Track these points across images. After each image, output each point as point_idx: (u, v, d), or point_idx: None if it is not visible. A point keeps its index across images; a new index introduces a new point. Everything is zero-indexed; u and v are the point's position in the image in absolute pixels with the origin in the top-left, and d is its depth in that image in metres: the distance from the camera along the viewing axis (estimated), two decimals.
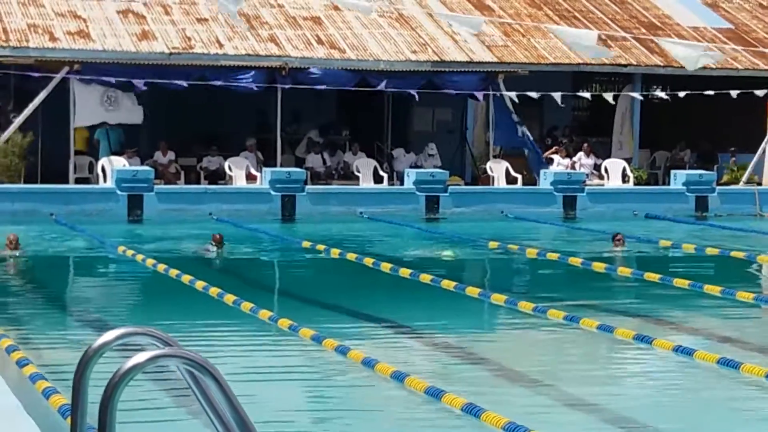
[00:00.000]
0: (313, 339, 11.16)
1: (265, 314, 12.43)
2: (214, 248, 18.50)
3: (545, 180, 26.82)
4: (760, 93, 27.93)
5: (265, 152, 27.43)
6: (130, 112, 25.72)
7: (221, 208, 24.15)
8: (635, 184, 28.63)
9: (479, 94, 27.81)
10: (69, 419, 4.35)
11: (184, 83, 25.44)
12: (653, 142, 31.56)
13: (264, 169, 25.90)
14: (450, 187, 26.05)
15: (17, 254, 17.20)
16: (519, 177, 27.68)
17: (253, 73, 26.31)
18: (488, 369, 11.03)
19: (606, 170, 28.99)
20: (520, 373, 10.70)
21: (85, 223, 21.90)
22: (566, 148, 29.52)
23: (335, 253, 18.30)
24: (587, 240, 21.86)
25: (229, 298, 13.29)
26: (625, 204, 26.59)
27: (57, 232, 21.23)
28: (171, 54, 26.72)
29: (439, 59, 28.48)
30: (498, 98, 27.90)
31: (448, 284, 14.82)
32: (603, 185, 28.33)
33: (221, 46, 27.43)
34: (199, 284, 14.30)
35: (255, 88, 26.05)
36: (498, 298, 14.08)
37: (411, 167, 27.45)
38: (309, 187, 25.43)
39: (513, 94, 27.36)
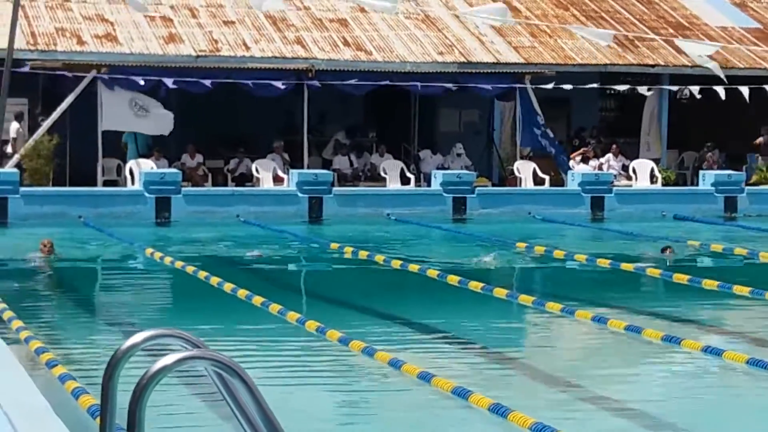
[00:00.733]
0: (341, 341, 11.17)
1: (293, 316, 12.45)
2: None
3: (573, 181, 26.75)
4: None
5: (292, 154, 27.47)
6: (159, 121, 25.60)
7: (248, 210, 24.21)
8: (663, 185, 28.52)
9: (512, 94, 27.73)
10: (98, 420, 4.37)
11: (208, 83, 25.46)
12: (681, 143, 31.44)
13: (291, 171, 25.94)
14: (477, 188, 26.02)
15: (51, 258, 17.27)
16: (546, 178, 27.62)
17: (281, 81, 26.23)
18: (515, 369, 11.02)
19: (634, 171, 28.90)
20: (547, 374, 10.68)
21: (114, 225, 21.99)
22: (594, 149, 29.44)
23: (363, 254, 18.31)
24: (615, 241, 21.78)
25: (258, 300, 13.31)
26: (653, 205, 26.49)
27: (85, 235, 21.32)
28: (198, 57, 26.81)
29: (465, 60, 28.47)
30: (525, 99, 27.85)
31: (475, 285, 14.80)
32: (631, 186, 28.24)
33: (248, 48, 27.51)
34: (228, 286, 14.34)
35: (282, 87, 26.01)
36: (525, 299, 14.06)
37: (438, 168, 27.43)
38: (336, 189, 25.45)
39: (550, 86, 27.14)
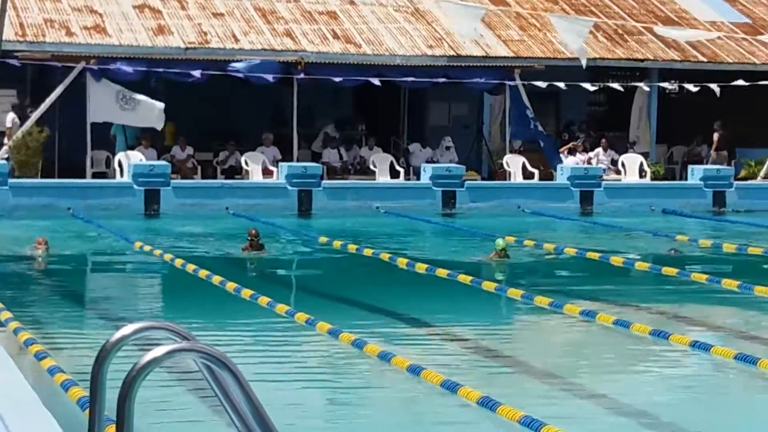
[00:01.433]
0: (330, 333, 11.18)
1: (282, 308, 12.46)
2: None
3: (562, 175, 26.78)
4: None
5: (282, 147, 27.45)
6: (149, 113, 25.48)
7: (238, 203, 24.19)
8: (652, 179, 28.55)
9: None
10: (87, 412, 4.37)
11: (198, 73, 25.40)
12: (670, 137, 31.48)
13: (280, 163, 25.91)
14: (466, 182, 26.02)
15: (39, 253, 17.20)
16: (536, 172, 27.65)
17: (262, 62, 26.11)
18: (504, 363, 11.04)
19: (623, 165, 28.94)
20: (536, 368, 10.70)
21: (103, 217, 21.96)
22: (583, 143, 29.47)
23: (352, 248, 18.31)
24: (604, 235, 21.82)
25: (246, 293, 13.32)
26: (642, 199, 26.53)
27: (74, 227, 21.28)
28: (187, 49, 26.77)
29: (455, 54, 28.47)
30: (514, 93, 27.85)
31: (464, 279, 14.82)
32: (620, 180, 28.28)
33: (237, 40, 27.48)
34: (216, 279, 14.33)
35: (271, 80, 25.95)
36: (514, 293, 14.08)
37: (427, 162, 27.44)
38: (325, 182, 25.44)
39: (543, 85, 27.16)
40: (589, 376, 10.50)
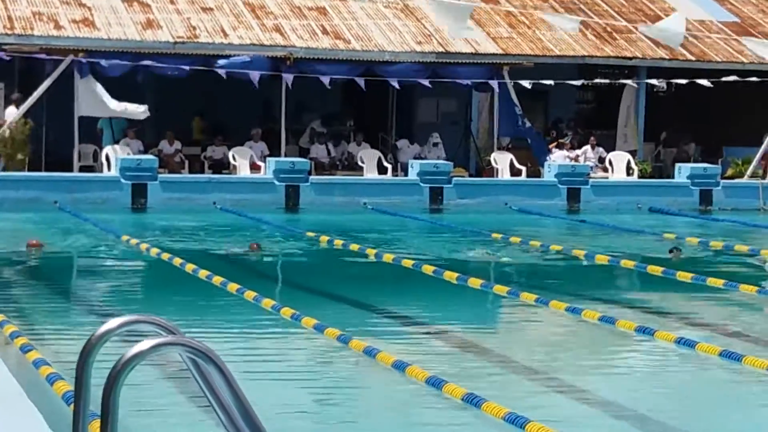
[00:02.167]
0: (316, 328, 11.18)
1: (268, 303, 12.46)
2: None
3: (549, 172, 26.81)
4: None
5: (269, 142, 27.43)
6: (133, 107, 25.49)
7: (225, 198, 24.18)
8: (640, 177, 28.61)
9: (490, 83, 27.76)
10: (72, 406, 4.37)
11: (186, 68, 25.39)
12: (658, 136, 31.53)
13: (268, 159, 25.89)
14: (454, 178, 26.05)
15: (33, 251, 17.16)
16: (523, 169, 27.68)
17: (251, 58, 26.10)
18: (489, 359, 11.05)
19: (610, 163, 28.98)
20: (521, 364, 10.72)
21: (89, 211, 21.92)
22: (571, 141, 29.51)
23: (338, 243, 18.32)
24: (591, 232, 21.86)
25: (233, 287, 13.31)
26: (629, 197, 26.58)
27: (61, 220, 21.24)
28: (176, 43, 26.73)
29: (444, 50, 28.48)
30: (503, 90, 27.87)
31: (450, 275, 14.83)
32: (607, 178, 28.33)
33: (226, 35, 27.44)
34: (203, 273, 14.33)
35: (255, 83, 25.92)
36: (500, 290, 14.10)
37: (415, 158, 27.45)
38: (313, 178, 25.44)
39: (525, 83, 27.19)
40: (574, 372, 10.52)
